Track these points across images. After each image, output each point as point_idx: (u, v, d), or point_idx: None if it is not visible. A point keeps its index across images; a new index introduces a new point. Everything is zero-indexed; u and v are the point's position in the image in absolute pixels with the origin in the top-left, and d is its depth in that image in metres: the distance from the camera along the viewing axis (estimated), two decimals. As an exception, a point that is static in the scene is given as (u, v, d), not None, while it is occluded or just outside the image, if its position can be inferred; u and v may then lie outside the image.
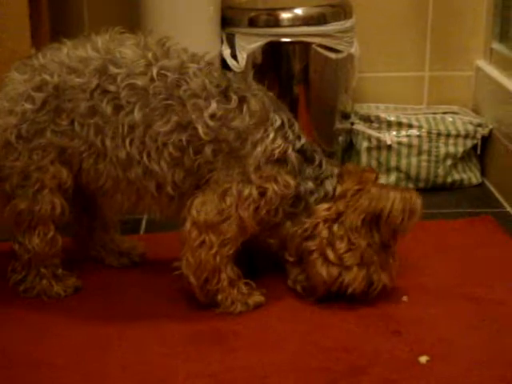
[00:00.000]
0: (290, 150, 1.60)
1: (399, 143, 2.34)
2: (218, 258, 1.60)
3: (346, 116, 2.39)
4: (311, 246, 1.63)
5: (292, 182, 1.60)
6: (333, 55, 2.26)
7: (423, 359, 1.46)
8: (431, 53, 2.53)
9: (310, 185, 1.63)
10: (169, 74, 1.58)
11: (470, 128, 2.36)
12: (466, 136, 2.35)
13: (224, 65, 2.19)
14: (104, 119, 1.59)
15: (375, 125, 2.37)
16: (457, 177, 2.36)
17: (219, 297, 1.63)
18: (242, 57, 2.20)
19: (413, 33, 2.51)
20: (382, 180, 1.87)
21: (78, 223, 1.83)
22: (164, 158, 1.58)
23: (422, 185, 2.33)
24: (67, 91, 1.60)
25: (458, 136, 2.34)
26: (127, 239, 1.89)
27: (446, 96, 2.53)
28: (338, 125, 2.36)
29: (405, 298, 1.68)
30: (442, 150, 2.33)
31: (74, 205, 1.73)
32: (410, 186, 2.31)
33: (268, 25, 2.22)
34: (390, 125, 2.35)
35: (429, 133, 2.33)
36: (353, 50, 2.30)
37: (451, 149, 2.34)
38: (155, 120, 1.57)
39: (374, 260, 1.61)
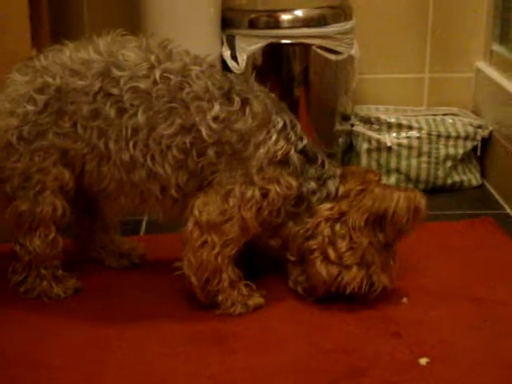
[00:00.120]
0: (292, 152, 1.60)
1: (399, 145, 2.34)
2: (219, 259, 1.60)
3: (346, 117, 2.39)
4: (312, 245, 1.63)
5: (294, 183, 1.60)
6: (333, 57, 2.26)
7: (423, 361, 1.46)
8: (431, 54, 2.53)
9: (313, 185, 1.63)
10: (172, 76, 1.58)
11: (470, 130, 2.36)
12: (466, 138, 2.35)
13: (224, 66, 2.19)
14: (107, 122, 1.59)
15: (375, 126, 2.37)
16: (457, 178, 2.36)
17: (219, 298, 1.63)
18: (242, 58, 2.21)
19: (413, 34, 2.52)
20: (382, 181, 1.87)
21: (78, 225, 1.83)
22: (168, 160, 1.58)
23: (421, 186, 2.32)
24: (70, 94, 1.60)
25: (458, 138, 2.34)
26: (127, 240, 1.89)
27: (446, 98, 2.54)
28: (338, 126, 2.36)
29: (405, 300, 1.68)
30: (442, 152, 2.33)
31: (75, 206, 1.73)
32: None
33: (268, 26, 2.22)
34: (390, 126, 2.35)
35: (429, 134, 2.33)
36: (353, 52, 2.30)
37: (451, 150, 2.34)
38: (159, 123, 1.58)
39: (374, 260, 1.61)
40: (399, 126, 2.35)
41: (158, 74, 1.58)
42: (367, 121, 2.38)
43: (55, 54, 1.64)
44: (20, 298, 1.70)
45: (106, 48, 1.61)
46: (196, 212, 1.59)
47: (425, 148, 2.33)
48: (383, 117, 2.36)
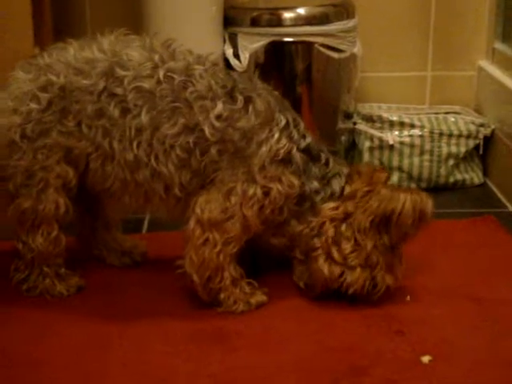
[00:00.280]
0: (294, 150, 1.60)
1: (401, 143, 2.34)
2: (221, 257, 1.60)
3: (348, 116, 2.38)
4: (316, 244, 1.63)
5: (296, 182, 1.60)
6: (335, 55, 2.26)
7: (426, 359, 1.46)
8: (433, 53, 2.53)
9: (316, 184, 1.63)
10: (175, 76, 1.58)
11: (472, 128, 2.36)
12: (468, 136, 2.35)
13: (227, 64, 2.19)
14: (111, 122, 1.59)
15: (377, 124, 2.37)
16: (459, 177, 2.36)
17: (221, 295, 1.63)
18: (245, 56, 2.21)
19: (415, 33, 2.51)
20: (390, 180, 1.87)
21: (80, 223, 1.83)
22: (171, 160, 1.58)
23: (424, 185, 2.32)
24: (74, 93, 1.60)
25: (460, 136, 2.34)
26: (129, 238, 1.89)
27: (449, 96, 2.53)
28: (341, 124, 2.36)
29: (408, 298, 1.68)
30: (444, 150, 2.33)
31: (77, 204, 1.73)
32: (412, 186, 2.31)
33: (270, 24, 2.22)
34: (392, 125, 2.35)
35: (431, 133, 2.33)
36: (355, 50, 2.30)
37: (453, 149, 2.34)
38: (162, 122, 1.58)
39: (379, 261, 1.61)
40: (401, 125, 2.35)
41: (161, 73, 1.58)
42: (369, 119, 2.38)
43: (59, 52, 1.64)
44: (22, 296, 1.70)
45: (109, 47, 1.62)
46: (198, 210, 1.59)
47: (427, 146, 2.33)
48: (385, 115, 2.36)
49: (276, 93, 1.67)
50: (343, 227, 1.61)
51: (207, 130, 1.57)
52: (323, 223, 1.62)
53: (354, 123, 2.40)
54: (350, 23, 2.26)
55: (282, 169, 1.59)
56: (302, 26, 2.22)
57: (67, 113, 1.61)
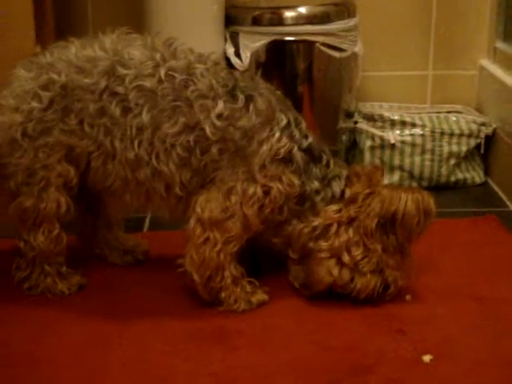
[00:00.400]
0: (295, 149, 1.60)
1: (403, 142, 2.34)
2: (221, 256, 1.60)
3: (349, 115, 2.38)
4: (322, 245, 1.62)
5: (296, 182, 1.60)
6: (336, 54, 2.26)
7: (427, 358, 1.46)
8: (435, 52, 2.53)
9: (316, 184, 1.62)
10: (176, 75, 1.58)
11: (474, 127, 2.36)
12: (470, 135, 2.35)
13: (228, 63, 2.18)
14: (112, 121, 1.59)
15: (379, 124, 2.37)
16: (460, 176, 2.36)
17: (222, 294, 1.63)
18: (246, 55, 2.21)
19: (416, 32, 2.51)
20: (385, 179, 1.87)
21: (82, 221, 1.84)
22: (172, 159, 1.58)
23: (425, 184, 2.32)
24: (75, 91, 1.60)
25: (461, 135, 2.34)
26: (131, 237, 1.89)
27: (450, 95, 2.53)
28: (342, 123, 2.36)
29: (408, 297, 1.68)
30: (446, 149, 2.33)
31: (79, 203, 1.73)
32: (414, 185, 2.31)
33: (272, 23, 2.22)
34: (393, 124, 2.35)
35: (432, 132, 2.33)
36: (356, 49, 2.30)
37: (455, 148, 2.34)
38: (163, 122, 1.58)
39: (389, 264, 1.61)
40: (403, 124, 2.35)
41: (163, 72, 1.58)
42: (371, 118, 2.38)
43: (61, 50, 1.64)
44: (24, 295, 1.70)
45: (111, 46, 1.62)
46: (198, 209, 1.59)
47: (428, 145, 2.33)
48: (387, 114, 2.36)
49: (278, 92, 1.67)
50: (351, 232, 1.60)
51: (208, 129, 1.57)
52: (329, 225, 1.61)
53: (355, 122, 2.40)
54: (351, 22, 2.26)
55: (282, 168, 1.59)
56: (303, 25, 2.22)
57: (69, 111, 1.61)
